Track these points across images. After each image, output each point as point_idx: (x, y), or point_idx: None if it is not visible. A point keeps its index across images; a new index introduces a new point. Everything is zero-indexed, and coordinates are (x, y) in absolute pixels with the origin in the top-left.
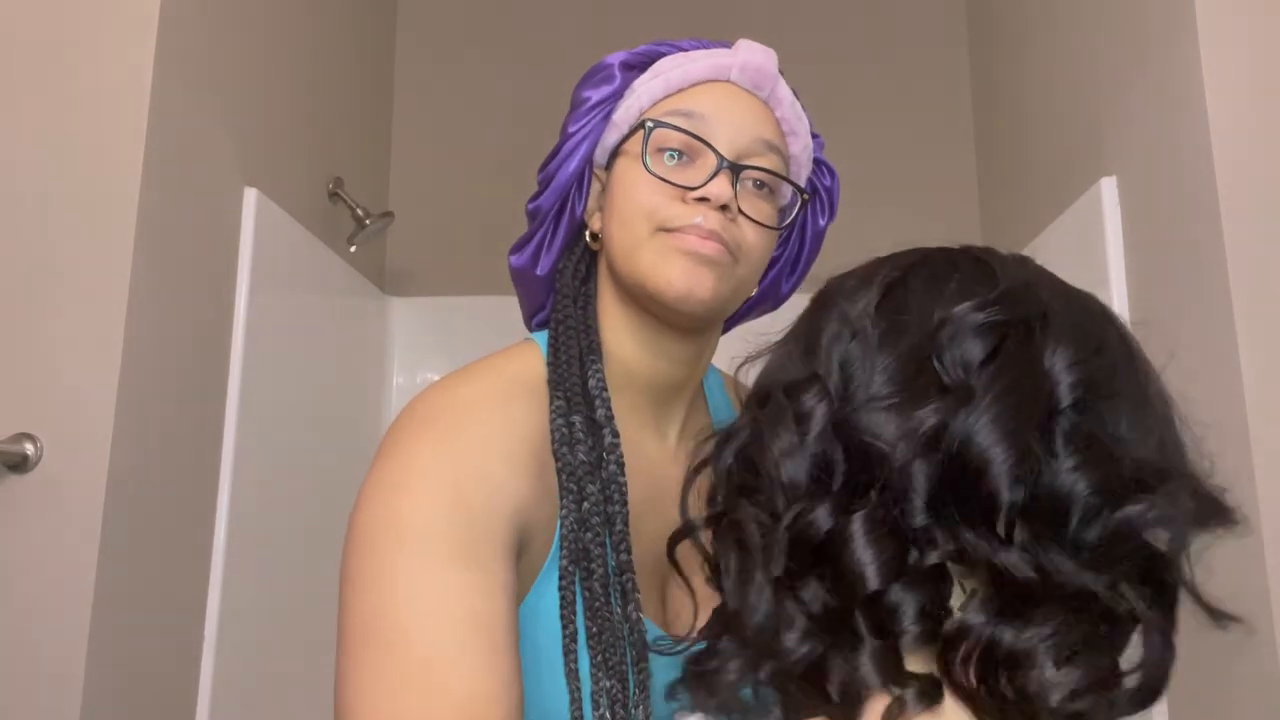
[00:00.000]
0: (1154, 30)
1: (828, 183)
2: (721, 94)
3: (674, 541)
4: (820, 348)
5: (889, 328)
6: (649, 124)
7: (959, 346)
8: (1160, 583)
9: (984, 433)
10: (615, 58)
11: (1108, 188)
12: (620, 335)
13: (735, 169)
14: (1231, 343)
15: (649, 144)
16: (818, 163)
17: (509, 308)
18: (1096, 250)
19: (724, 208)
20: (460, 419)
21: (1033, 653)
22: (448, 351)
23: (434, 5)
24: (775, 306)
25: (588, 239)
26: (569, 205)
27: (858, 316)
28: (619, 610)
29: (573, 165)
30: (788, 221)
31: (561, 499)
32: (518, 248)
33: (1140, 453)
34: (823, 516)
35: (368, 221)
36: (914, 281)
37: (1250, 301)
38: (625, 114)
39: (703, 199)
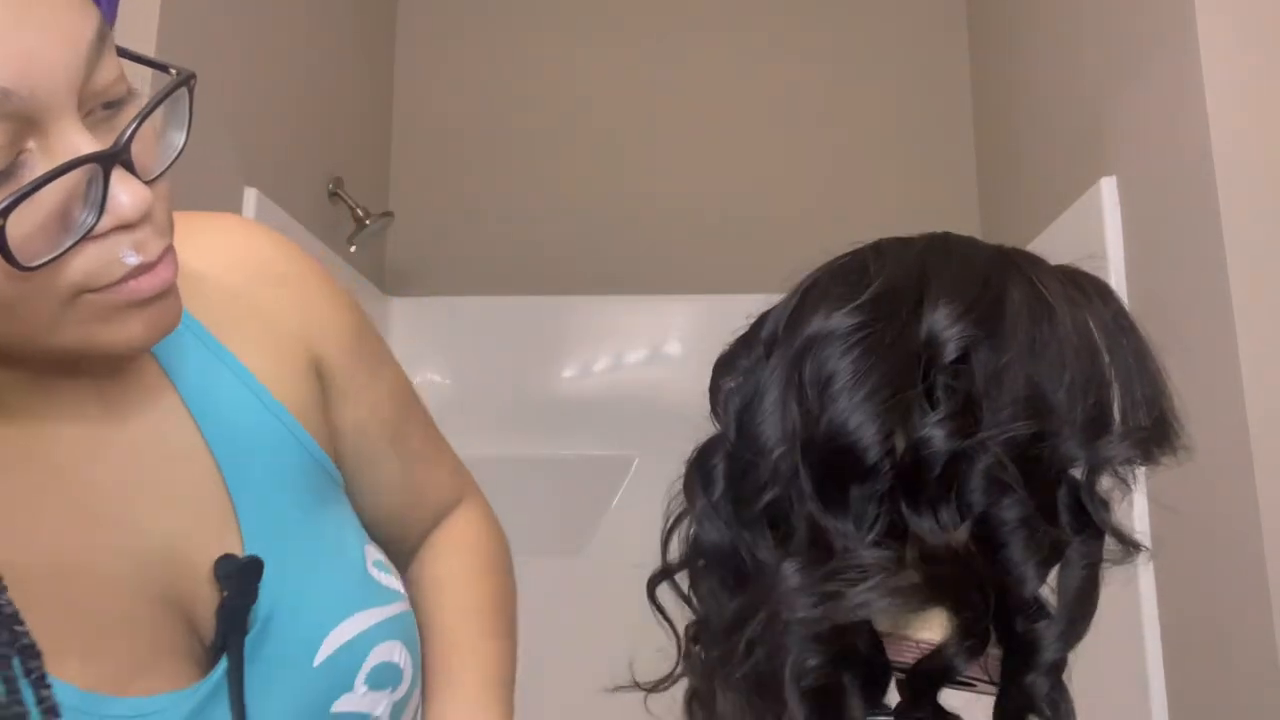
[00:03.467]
0: (1154, 30)
1: None
2: None
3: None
4: (740, 358)
5: (785, 338)
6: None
7: (823, 353)
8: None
9: (847, 417)
10: None
11: (1108, 188)
12: None
13: (120, 159)
14: (1231, 342)
15: (10, 232)
16: None
17: (509, 308)
18: (1096, 250)
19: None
20: None
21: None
22: (448, 352)
23: (434, 5)
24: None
25: None
26: None
27: (767, 330)
28: None
29: None
30: (184, 141)
31: None
32: None
33: (1021, 391)
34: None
35: (368, 221)
36: (821, 284)
37: (1250, 301)
38: None
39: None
